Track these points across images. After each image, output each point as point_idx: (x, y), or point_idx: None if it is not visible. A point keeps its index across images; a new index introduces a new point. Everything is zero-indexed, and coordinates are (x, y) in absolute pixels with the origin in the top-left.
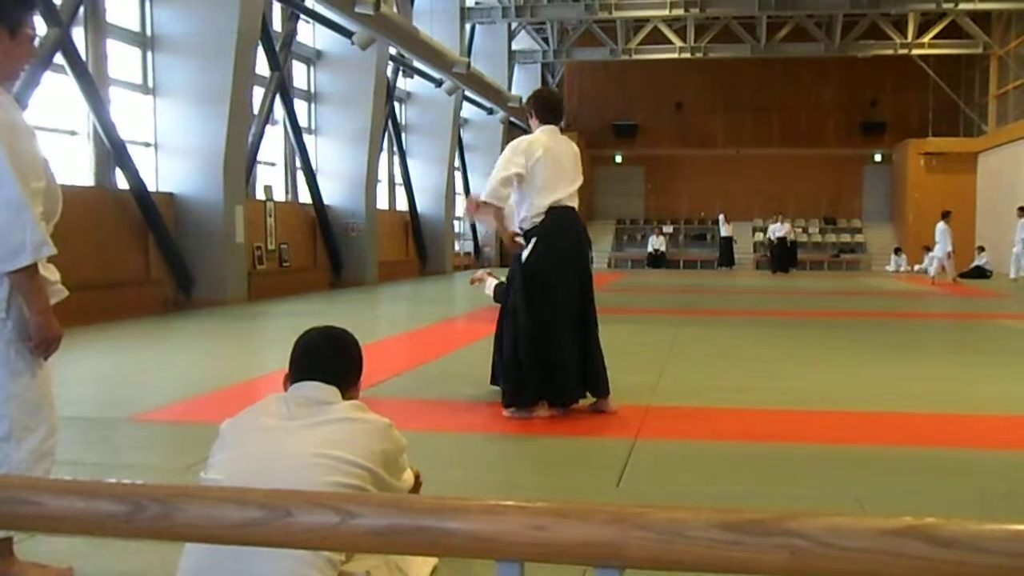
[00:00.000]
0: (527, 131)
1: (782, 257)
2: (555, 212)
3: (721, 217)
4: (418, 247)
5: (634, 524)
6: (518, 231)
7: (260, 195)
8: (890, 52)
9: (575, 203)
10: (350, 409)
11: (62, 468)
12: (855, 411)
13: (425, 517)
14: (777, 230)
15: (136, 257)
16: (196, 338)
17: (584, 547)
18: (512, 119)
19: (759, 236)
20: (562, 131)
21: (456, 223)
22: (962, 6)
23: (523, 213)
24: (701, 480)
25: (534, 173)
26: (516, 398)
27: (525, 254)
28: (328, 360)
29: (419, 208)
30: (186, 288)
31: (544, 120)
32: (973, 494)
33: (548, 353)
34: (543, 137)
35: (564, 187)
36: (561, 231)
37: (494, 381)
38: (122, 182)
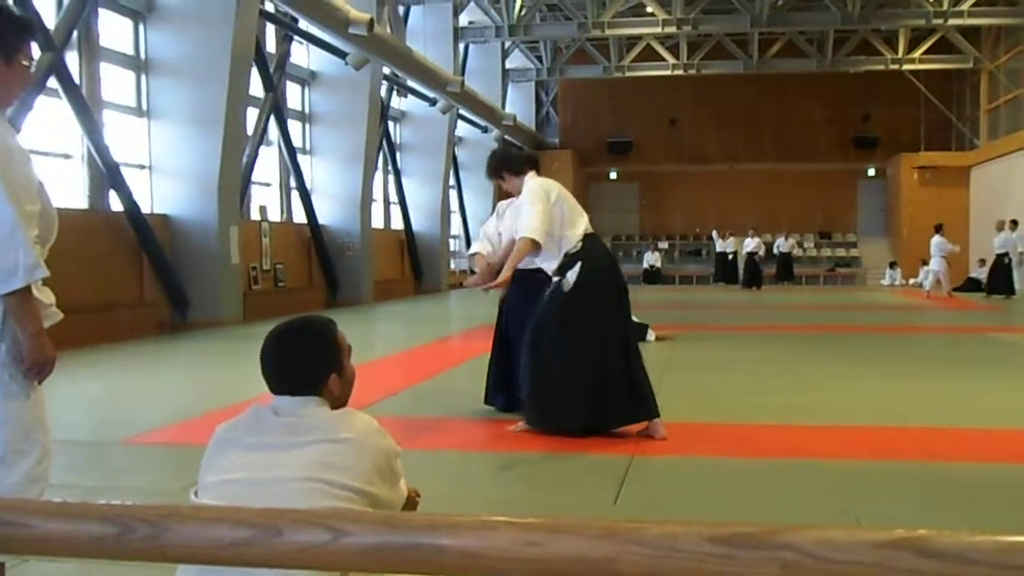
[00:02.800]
0: (517, 155)
1: (754, 273)
2: (590, 238)
3: (715, 232)
4: (413, 265)
5: (627, 539)
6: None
7: (255, 215)
8: (881, 67)
9: None
10: (336, 423)
11: (55, 492)
12: (853, 425)
13: (417, 534)
14: (748, 245)
15: (131, 279)
16: (191, 360)
17: (577, 563)
18: (507, 137)
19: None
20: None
21: (452, 241)
22: (952, 22)
23: (563, 247)
24: (699, 496)
25: (561, 210)
26: (547, 421)
27: (572, 277)
28: (291, 367)
29: (414, 227)
30: (181, 310)
31: (523, 171)
32: (971, 507)
33: (594, 376)
34: (547, 181)
35: (584, 217)
36: (601, 253)
37: (488, 400)
38: (116, 204)
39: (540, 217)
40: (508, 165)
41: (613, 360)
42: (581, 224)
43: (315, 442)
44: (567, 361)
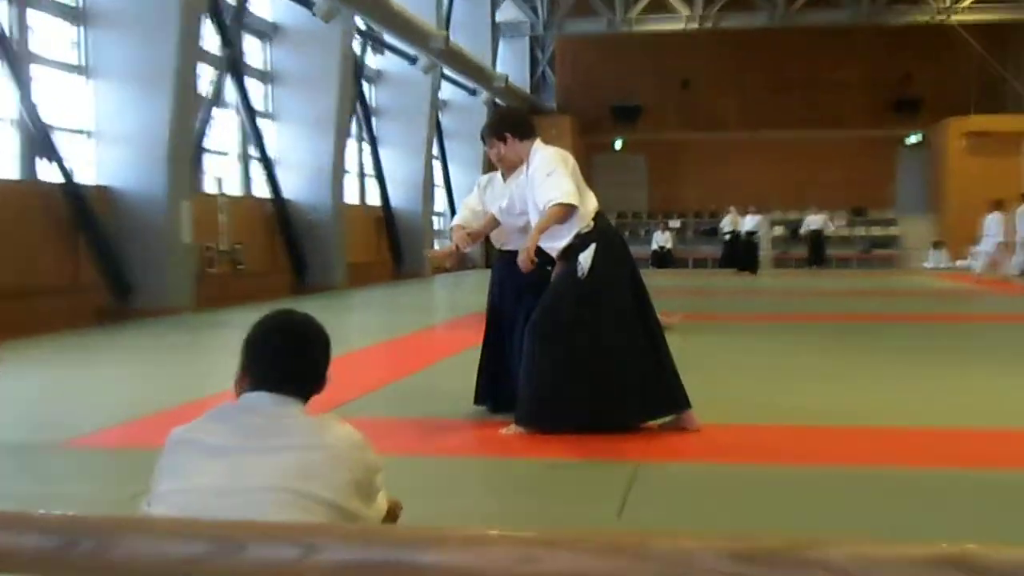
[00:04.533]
0: (525, 116)
1: (748, 254)
2: (599, 216)
3: (732, 210)
4: (392, 247)
5: (634, 554)
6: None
7: (210, 188)
8: (926, 19)
9: None
10: (314, 429)
11: None
12: (890, 427)
13: (398, 550)
14: (746, 223)
15: (63, 260)
16: (136, 352)
17: None
18: (497, 100)
19: (777, 230)
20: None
21: (436, 219)
22: None
23: (574, 226)
24: (713, 507)
25: (577, 183)
26: (548, 420)
27: (587, 262)
28: (287, 362)
29: (393, 203)
30: (123, 295)
31: (529, 135)
32: None
33: (614, 370)
34: (558, 148)
35: (592, 193)
36: (612, 234)
37: (479, 400)
38: (49, 175)
39: (570, 182)
40: (513, 126)
41: (636, 348)
42: (591, 201)
43: (290, 448)
44: (584, 352)
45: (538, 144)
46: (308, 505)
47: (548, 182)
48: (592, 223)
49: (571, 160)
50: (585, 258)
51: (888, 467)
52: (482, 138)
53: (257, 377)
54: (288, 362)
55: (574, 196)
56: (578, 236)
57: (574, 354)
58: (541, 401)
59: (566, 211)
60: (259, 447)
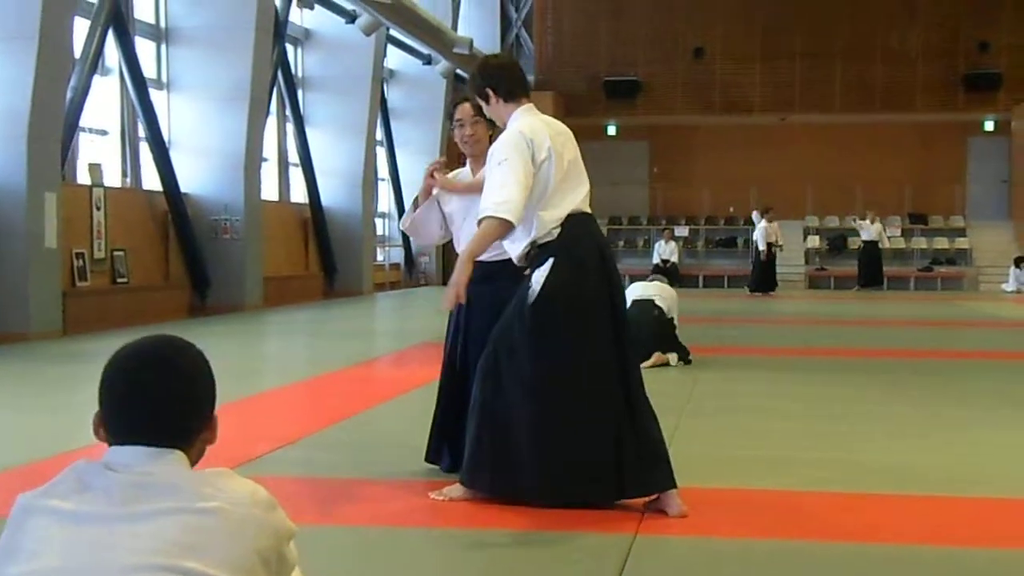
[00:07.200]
0: (515, 70)
1: (766, 271)
2: (574, 221)
3: (755, 215)
4: (323, 256)
5: None
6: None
7: (83, 178)
8: None
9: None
10: (202, 486)
11: None
12: (960, 496)
13: None
14: (757, 231)
15: None
16: None
17: None
18: (459, 71)
19: (812, 240)
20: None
21: (379, 222)
22: None
23: (532, 231)
24: None
25: (547, 175)
26: (487, 483)
27: (539, 280)
28: (158, 403)
29: (324, 200)
30: None
31: (517, 97)
32: None
33: (571, 432)
34: (539, 123)
35: (579, 188)
36: (588, 245)
37: (431, 456)
38: None
39: (516, 183)
40: (498, 81)
41: (605, 404)
42: (570, 199)
43: (171, 512)
44: (534, 404)
45: (521, 111)
46: None
47: (492, 179)
48: (559, 230)
49: (546, 144)
50: (538, 277)
51: (962, 548)
52: (449, 116)
53: (115, 423)
54: (151, 403)
55: (512, 208)
56: (535, 246)
57: (526, 406)
58: (488, 462)
59: (499, 229)
60: (129, 513)
